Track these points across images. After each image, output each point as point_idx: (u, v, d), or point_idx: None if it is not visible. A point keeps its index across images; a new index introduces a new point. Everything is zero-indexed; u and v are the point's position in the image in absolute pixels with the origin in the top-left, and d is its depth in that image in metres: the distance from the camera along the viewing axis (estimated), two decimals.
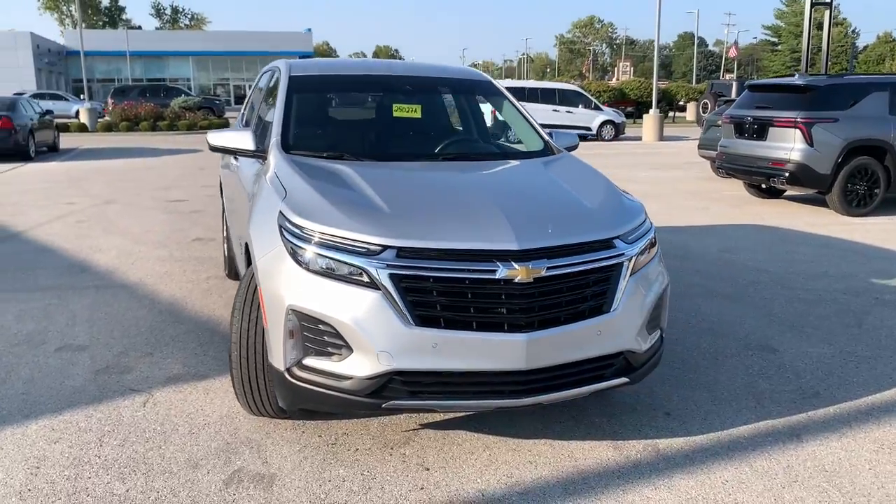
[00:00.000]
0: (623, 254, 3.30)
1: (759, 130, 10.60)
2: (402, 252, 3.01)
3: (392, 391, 3.05)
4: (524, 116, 4.72)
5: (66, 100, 38.99)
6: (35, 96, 35.52)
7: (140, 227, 8.89)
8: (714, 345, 4.90)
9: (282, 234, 3.22)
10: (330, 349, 3.06)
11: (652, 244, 3.60)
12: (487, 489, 3.11)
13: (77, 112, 31.56)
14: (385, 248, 3.02)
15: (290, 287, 3.10)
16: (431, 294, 3.00)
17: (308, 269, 3.09)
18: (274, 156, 3.94)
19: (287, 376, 3.15)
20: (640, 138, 25.90)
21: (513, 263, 3.01)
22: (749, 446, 3.52)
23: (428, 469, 3.26)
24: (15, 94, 32.99)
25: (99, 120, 29.76)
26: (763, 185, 11.40)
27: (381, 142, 4.49)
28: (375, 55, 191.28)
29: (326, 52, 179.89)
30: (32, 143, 17.93)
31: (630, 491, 3.12)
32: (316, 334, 3.07)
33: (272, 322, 3.17)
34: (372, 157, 4.13)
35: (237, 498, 3.01)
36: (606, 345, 3.23)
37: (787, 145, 10.11)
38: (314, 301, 3.05)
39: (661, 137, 25.13)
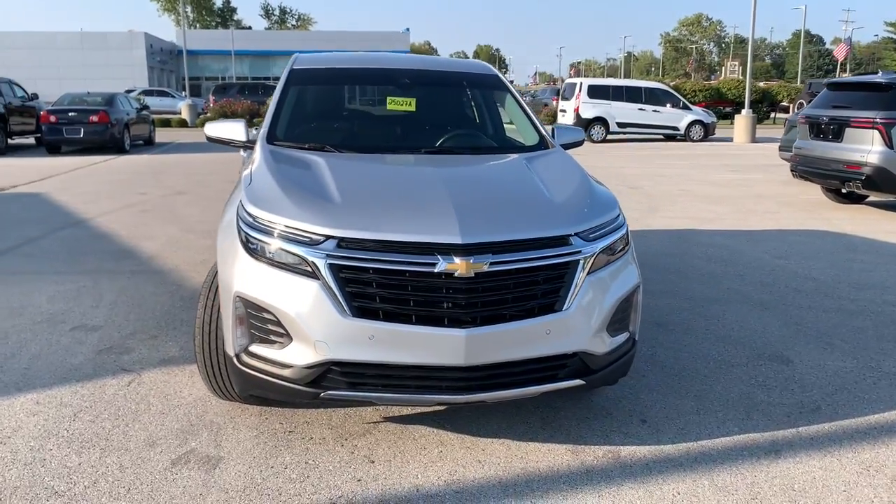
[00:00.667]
0: (579, 251, 3.17)
1: (836, 131, 10.00)
2: (342, 243, 3.01)
3: (331, 381, 3.05)
4: (524, 112, 4.64)
5: (172, 97, 40.93)
6: (144, 93, 37.54)
7: (197, 217, 9.26)
8: (724, 353, 4.66)
9: (237, 222, 3.28)
10: (272, 337, 3.10)
11: (625, 242, 3.46)
12: (423, 485, 3.07)
13: (181, 108, 33.15)
14: (327, 238, 3.02)
15: (238, 274, 3.16)
16: (371, 286, 2.98)
17: (255, 257, 3.13)
18: (258, 147, 4.02)
19: (236, 362, 3.20)
20: (731, 139, 24.93)
21: (453, 257, 2.96)
22: (718, 459, 3.32)
23: (373, 462, 3.24)
24: (126, 91, 35.05)
25: (199, 116, 31.13)
26: (843, 190, 10.74)
27: (367, 134, 4.51)
28: (476, 54, 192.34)
29: (427, 51, 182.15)
30: (128, 137, 18.95)
31: (570, 497, 3.00)
32: (260, 322, 3.11)
33: (224, 308, 3.24)
34: (355, 148, 4.15)
35: (178, 478, 3.08)
36: (557, 344, 3.13)
37: (865, 147, 9.50)
38: (258, 289, 3.08)
39: (754, 139, 24.08)
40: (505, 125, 5.03)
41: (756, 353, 4.66)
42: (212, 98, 34.93)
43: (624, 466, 3.25)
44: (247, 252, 3.17)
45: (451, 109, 4.96)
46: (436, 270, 2.95)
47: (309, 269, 3.00)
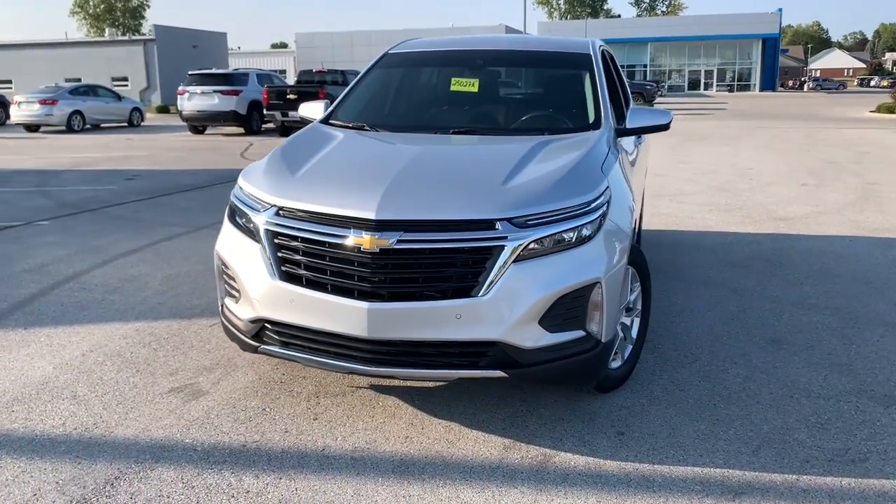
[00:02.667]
0: (505, 237, 3.00)
1: None
2: (280, 211, 3.26)
3: (267, 338, 3.34)
4: (595, 93, 4.32)
5: None
6: None
7: None
8: (817, 382, 3.89)
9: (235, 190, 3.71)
10: (234, 292, 3.47)
11: (592, 230, 3.16)
12: (331, 447, 3.20)
13: None
14: (271, 206, 3.30)
15: (220, 234, 3.60)
16: (297, 253, 3.19)
17: (230, 221, 3.54)
18: (310, 125, 4.40)
19: (220, 313, 3.65)
20: None
21: (362, 232, 3.04)
22: (651, 487, 2.91)
23: (315, 419, 3.45)
24: None
25: None
26: None
27: (411, 114, 4.58)
28: (878, 34, 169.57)
29: (816, 32, 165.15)
30: None
31: (449, 486, 2.91)
32: (227, 278, 3.51)
33: (216, 265, 3.70)
34: (389, 128, 4.30)
35: (159, 402, 3.62)
36: (470, 330, 3.02)
37: None
38: (226, 248, 3.49)
39: None
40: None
41: (861, 389, 3.81)
42: None
43: (538, 471, 3.02)
44: (227, 216, 3.59)
45: (517, 89, 4.80)
46: (345, 243, 3.06)
47: (254, 232, 3.32)
